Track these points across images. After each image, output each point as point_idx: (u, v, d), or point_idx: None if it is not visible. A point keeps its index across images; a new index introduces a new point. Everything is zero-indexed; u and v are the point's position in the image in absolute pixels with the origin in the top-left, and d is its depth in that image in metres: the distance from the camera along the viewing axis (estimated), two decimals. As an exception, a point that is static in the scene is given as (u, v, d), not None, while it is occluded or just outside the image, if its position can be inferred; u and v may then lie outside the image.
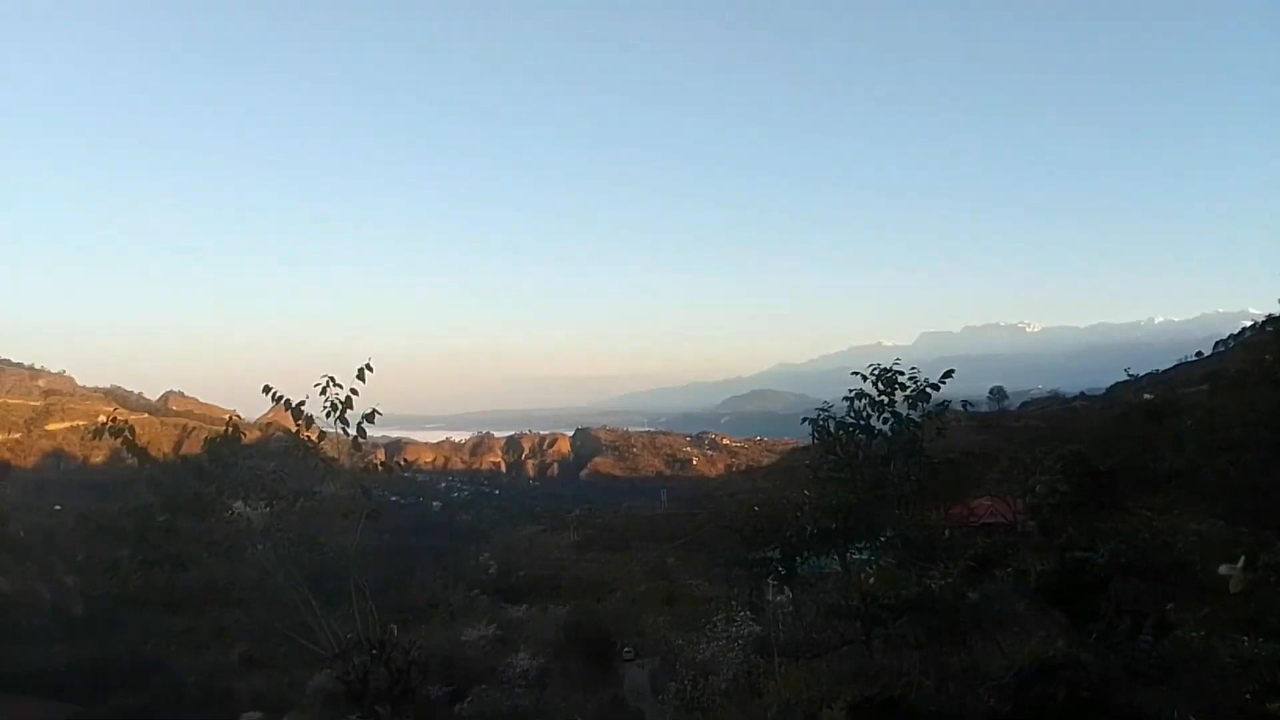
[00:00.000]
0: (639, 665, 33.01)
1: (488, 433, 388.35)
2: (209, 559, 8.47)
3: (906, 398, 13.49)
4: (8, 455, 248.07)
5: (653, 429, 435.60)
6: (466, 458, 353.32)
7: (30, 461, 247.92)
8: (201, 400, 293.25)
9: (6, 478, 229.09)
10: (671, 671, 25.18)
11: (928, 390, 13.35)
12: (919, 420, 13.12)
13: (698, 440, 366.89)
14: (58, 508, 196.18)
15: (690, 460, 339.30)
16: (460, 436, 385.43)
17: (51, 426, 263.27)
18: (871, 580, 11.30)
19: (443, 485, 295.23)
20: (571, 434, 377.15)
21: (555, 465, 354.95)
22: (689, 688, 21.89)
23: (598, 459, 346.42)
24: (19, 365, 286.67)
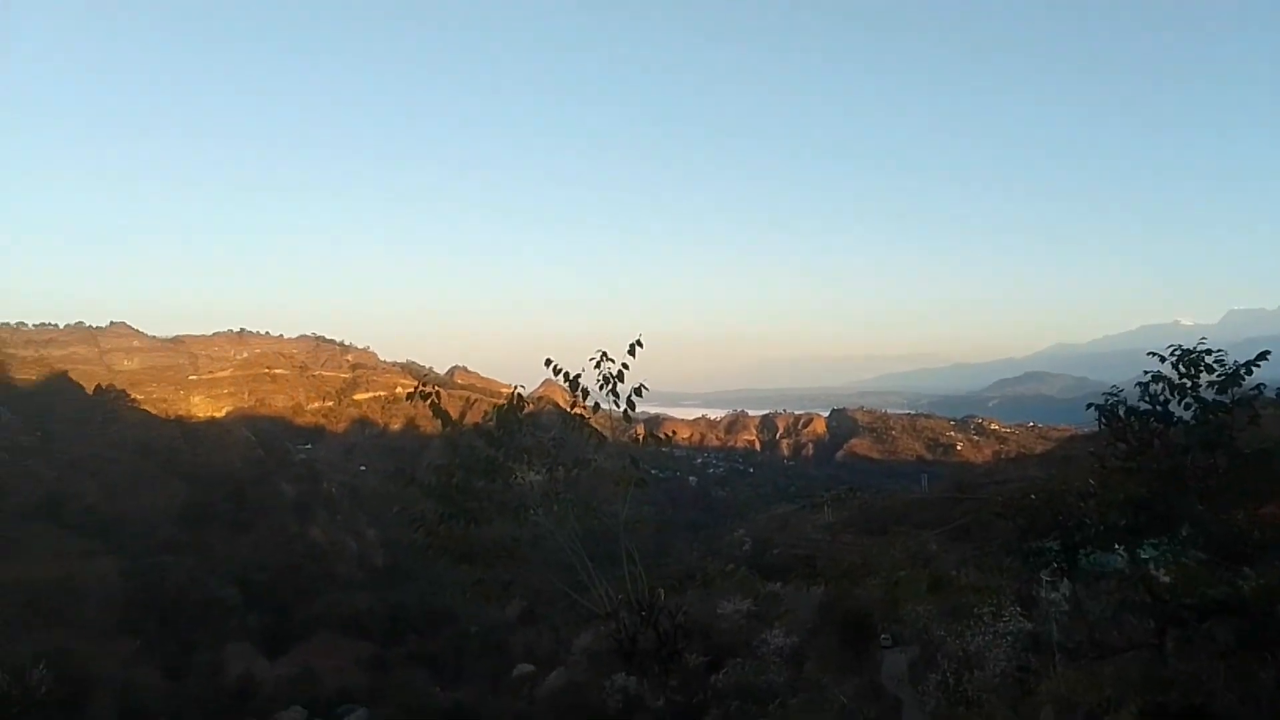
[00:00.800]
0: (898, 652, 32.19)
1: (743, 411, 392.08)
2: (498, 518, 9.27)
3: (1212, 382, 12.01)
4: (322, 421, 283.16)
5: (912, 411, 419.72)
6: (722, 435, 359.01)
7: (340, 427, 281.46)
8: (482, 375, 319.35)
9: (321, 440, 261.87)
10: (932, 662, 24.41)
11: (1239, 374, 11.79)
12: (1228, 405, 11.65)
13: (962, 424, 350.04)
14: (363, 468, 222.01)
15: (954, 445, 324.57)
16: (716, 414, 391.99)
17: (358, 396, 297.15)
18: (1170, 578, 10.26)
19: (698, 461, 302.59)
20: (827, 414, 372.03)
21: (810, 446, 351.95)
22: (951, 680, 21.11)
23: (854, 440, 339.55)
24: (332, 342, 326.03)
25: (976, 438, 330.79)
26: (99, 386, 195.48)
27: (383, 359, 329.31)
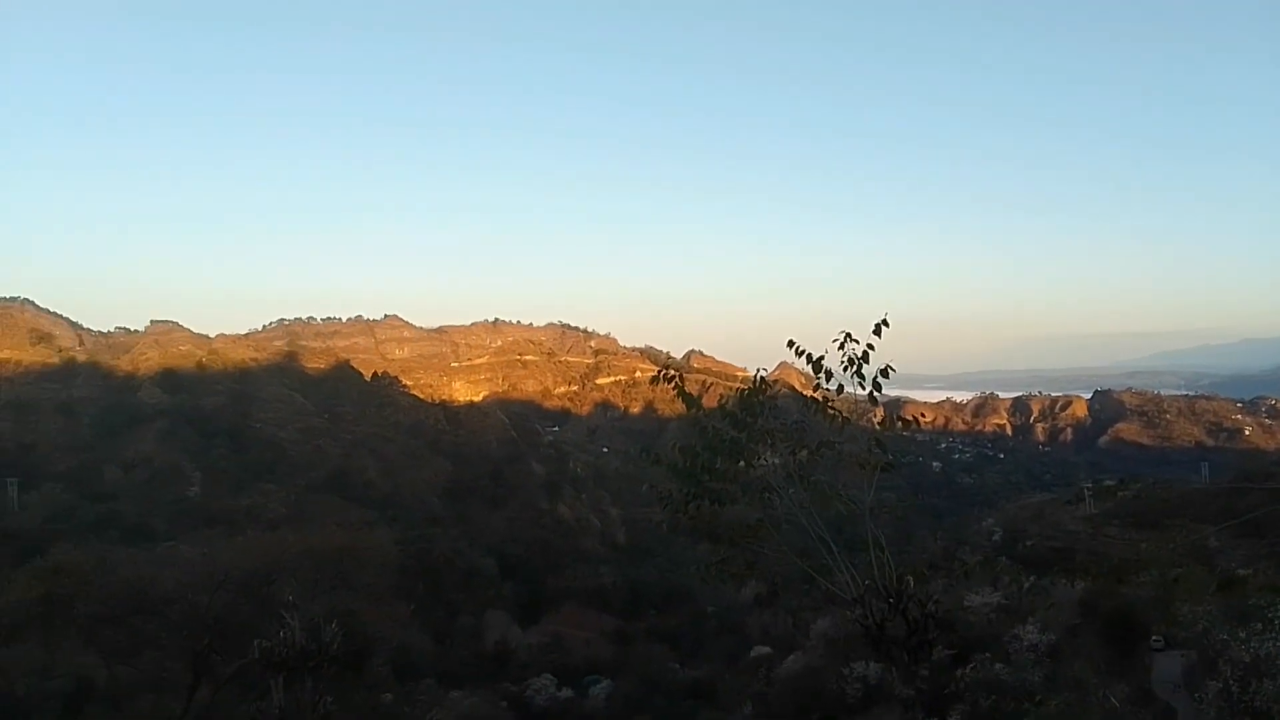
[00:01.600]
0: (1172, 656, 29.61)
1: (991, 393, 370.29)
2: (742, 499, 9.37)
3: None
4: (568, 404, 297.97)
5: (1191, 392, 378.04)
6: (968, 419, 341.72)
7: (584, 410, 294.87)
8: (717, 359, 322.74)
9: (567, 423, 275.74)
10: (1212, 668, 22.28)
11: None
12: None
13: (1251, 406, 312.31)
14: (605, 450, 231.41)
15: (1240, 430, 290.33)
16: (961, 397, 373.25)
17: (600, 381, 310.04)
18: None
19: (942, 446, 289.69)
20: (1089, 396, 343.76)
21: (1068, 430, 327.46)
22: (1235, 688, 19.16)
23: (1120, 425, 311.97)
24: (576, 329, 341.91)
25: (1269, 421, 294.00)
26: (375, 373, 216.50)
27: (623, 344, 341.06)
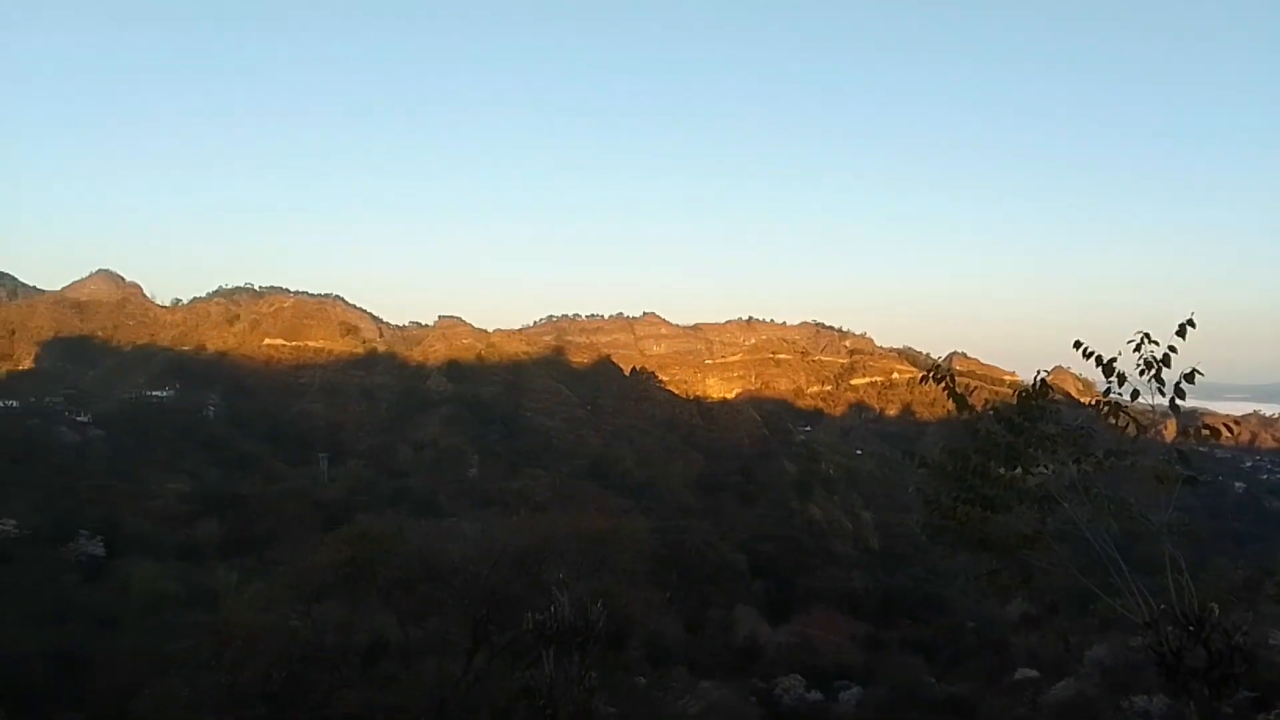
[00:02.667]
0: None
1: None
2: (1017, 507, 8.89)
3: None
4: (821, 404, 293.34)
5: None
6: (1279, 435, 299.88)
7: (838, 410, 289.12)
8: (982, 361, 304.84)
9: (819, 423, 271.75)
10: None
11: None
12: None
13: None
14: (859, 451, 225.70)
15: None
16: (1271, 410, 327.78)
17: (855, 381, 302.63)
18: None
19: (1247, 465, 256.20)
20: None
21: None
22: None
23: None
24: (830, 328, 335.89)
25: None
26: (634, 369, 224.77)
27: (879, 345, 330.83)
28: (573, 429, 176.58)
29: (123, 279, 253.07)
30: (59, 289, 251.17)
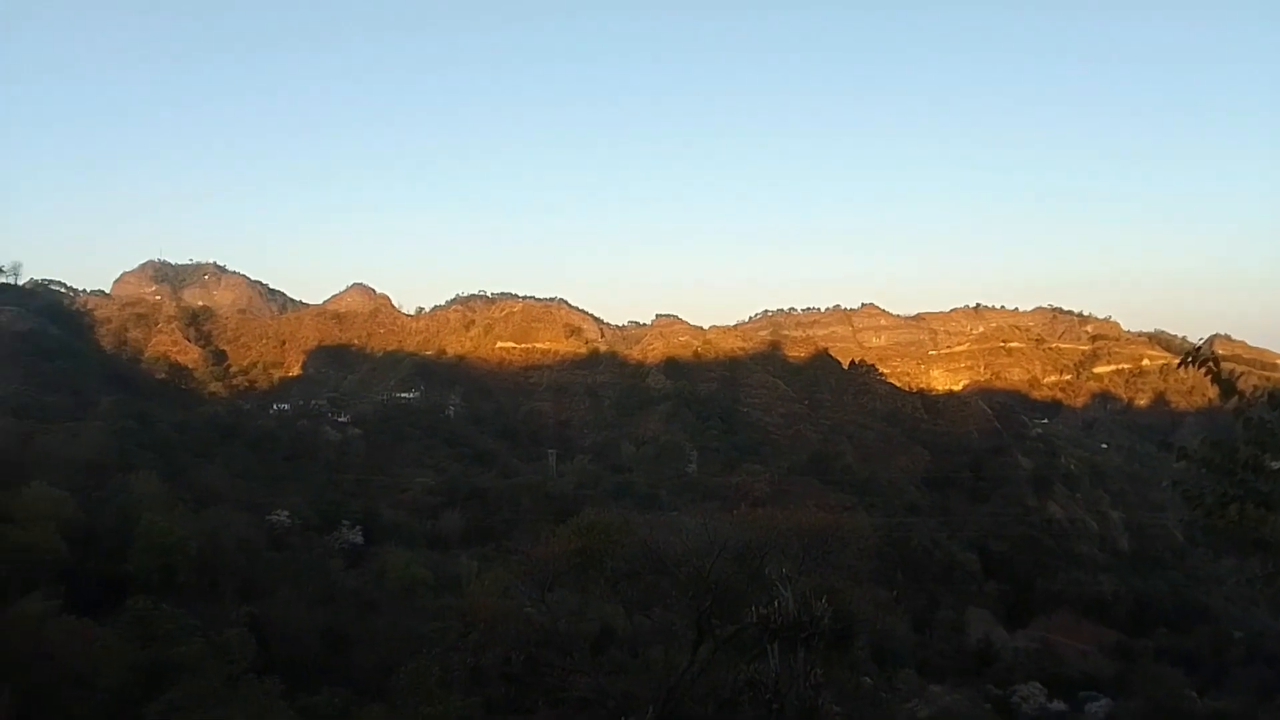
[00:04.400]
0: None
1: None
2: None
3: None
4: (1059, 395, 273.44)
5: None
6: None
7: (1078, 401, 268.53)
8: (1250, 344, 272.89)
9: (1057, 415, 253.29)
10: None
11: None
12: None
13: None
14: (1104, 445, 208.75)
15: None
16: None
17: (1098, 369, 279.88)
18: None
19: None
20: None
21: None
22: None
23: None
24: (1070, 313, 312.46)
25: None
26: (853, 362, 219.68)
27: (1126, 329, 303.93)
28: (790, 424, 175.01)
29: (374, 291, 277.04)
30: (321, 302, 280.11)
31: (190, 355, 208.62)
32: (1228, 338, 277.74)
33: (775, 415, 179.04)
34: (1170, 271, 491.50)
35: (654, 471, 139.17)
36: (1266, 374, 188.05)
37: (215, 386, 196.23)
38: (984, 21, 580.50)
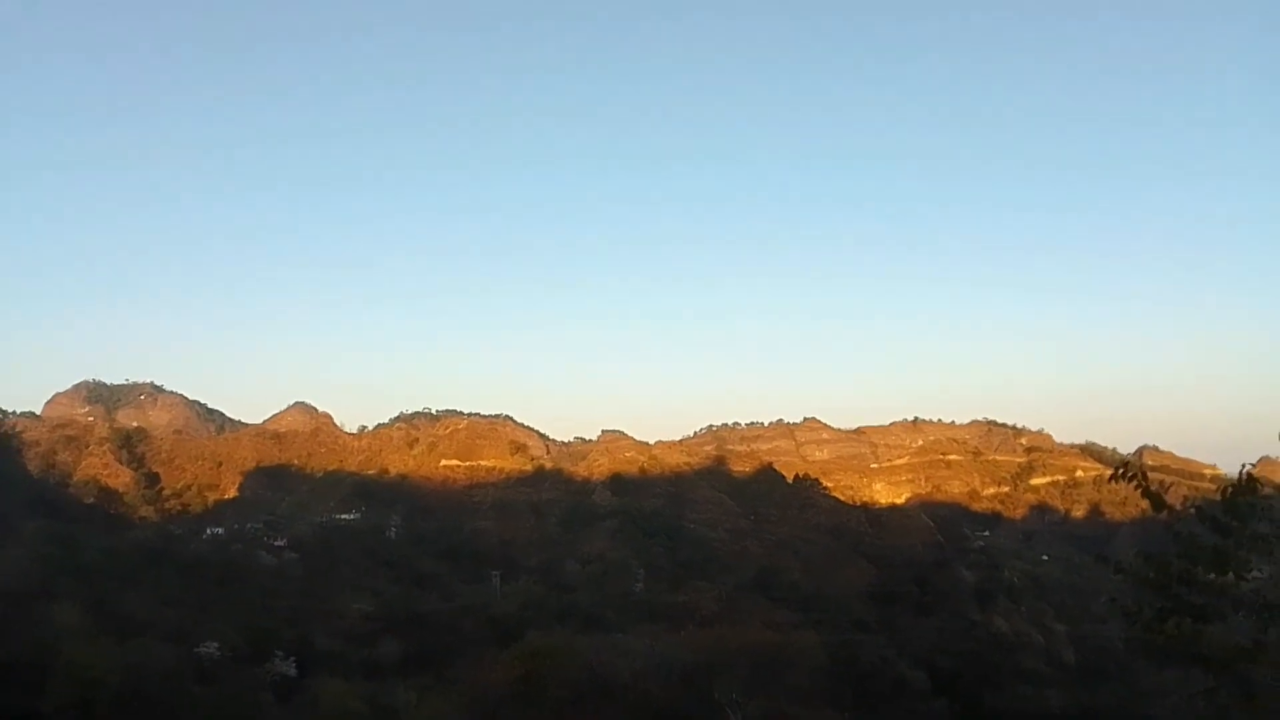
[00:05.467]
0: None
1: None
2: (1231, 616, 8.21)
3: None
4: (999, 506, 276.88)
5: None
6: None
7: (1017, 513, 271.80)
8: (1177, 455, 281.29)
9: (998, 527, 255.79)
10: None
11: None
12: None
13: None
14: (1045, 557, 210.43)
15: None
16: None
17: (1034, 481, 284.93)
18: None
19: None
20: None
21: None
22: None
23: None
24: (1004, 425, 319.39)
25: None
26: (797, 476, 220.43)
27: (1058, 441, 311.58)
28: (736, 540, 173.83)
29: (316, 409, 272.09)
30: (261, 421, 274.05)
31: (121, 478, 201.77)
32: (1156, 448, 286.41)
33: (721, 531, 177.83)
34: (1098, 384, 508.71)
35: (600, 591, 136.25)
36: (1195, 484, 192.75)
37: (146, 510, 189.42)
38: (928, 142, 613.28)
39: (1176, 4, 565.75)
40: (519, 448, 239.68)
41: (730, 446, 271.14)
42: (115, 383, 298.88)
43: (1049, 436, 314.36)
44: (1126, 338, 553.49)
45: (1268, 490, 8.98)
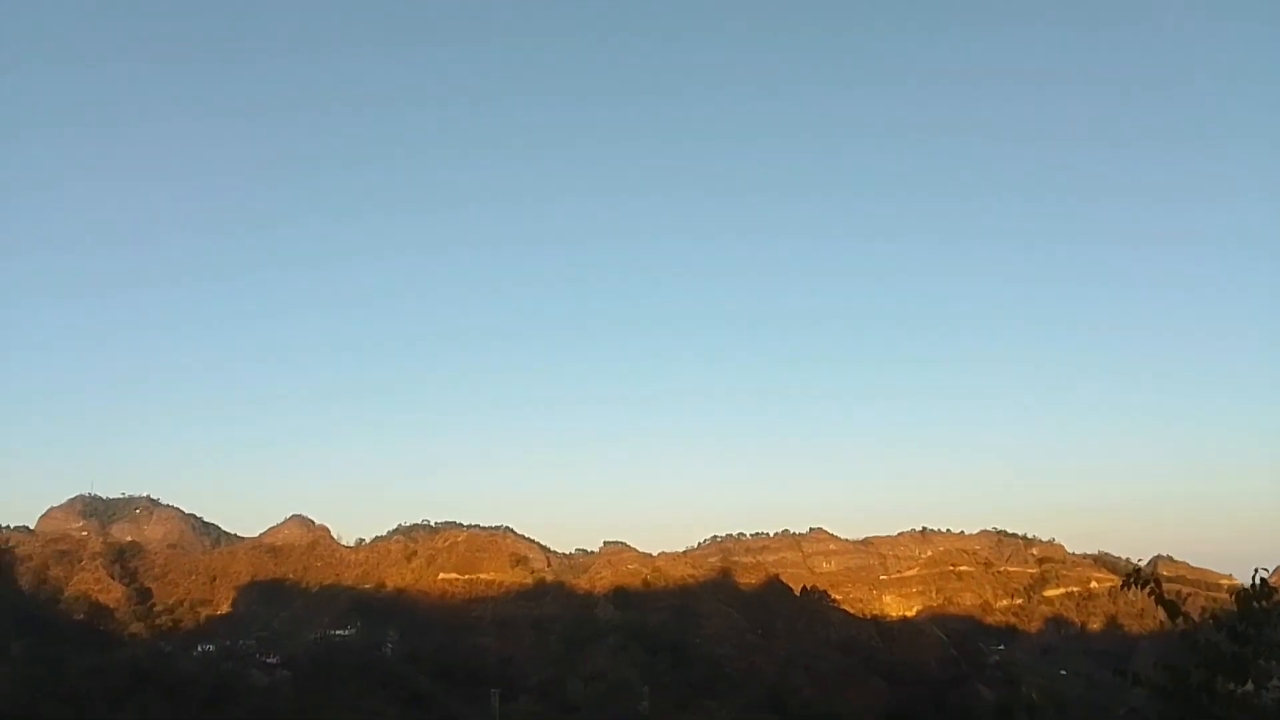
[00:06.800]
0: None
1: None
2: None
3: None
4: (1013, 619, 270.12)
5: None
6: None
7: (1033, 626, 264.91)
8: (1192, 564, 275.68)
9: (1014, 640, 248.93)
10: None
11: None
12: None
13: None
14: (1063, 672, 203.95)
15: None
16: None
17: (1048, 593, 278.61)
18: None
19: None
20: None
21: None
22: None
23: None
24: (1014, 536, 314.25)
25: None
26: (805, 588, 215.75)
27: (1071, 551, 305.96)
28: (744, 655, 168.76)
29: (313, 522, 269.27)
30: (257, 535, 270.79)
31: (113, 594, 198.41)
32: (1170, 559, 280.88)
33: (728, 646, 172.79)
34: (1110, 494, 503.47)
35: (603, 711, 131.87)
36: (1212, 594, 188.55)
37: (137, 627, 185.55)
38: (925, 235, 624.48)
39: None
40: (519, 560, 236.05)
41: (736, 558, 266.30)
42: (110, 496, 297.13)
43: (1061, 547, 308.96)
44: (1136, 446, 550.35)
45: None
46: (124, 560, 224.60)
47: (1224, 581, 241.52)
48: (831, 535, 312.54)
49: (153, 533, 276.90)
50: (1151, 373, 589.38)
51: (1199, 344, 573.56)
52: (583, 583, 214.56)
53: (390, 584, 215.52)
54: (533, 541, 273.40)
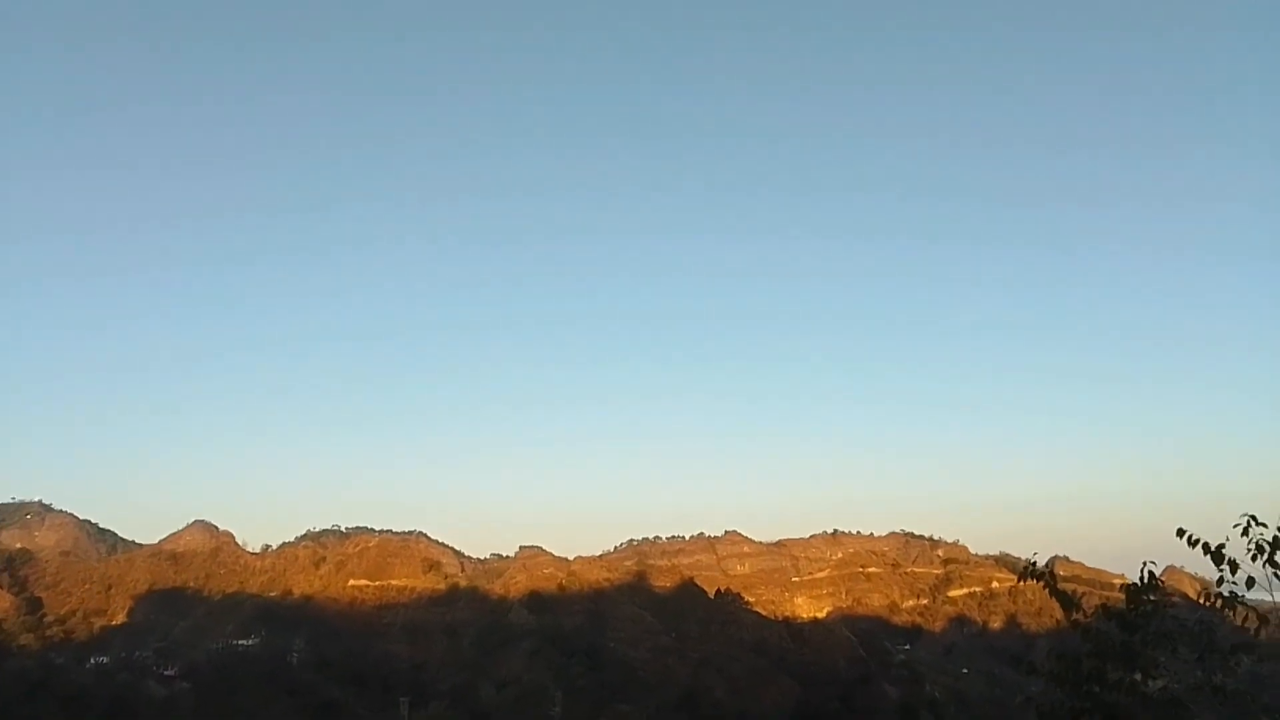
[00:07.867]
0: None
1: None
2: (1142, 713, 8.21)
3: None
4: (918, 619, 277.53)
5: None
6: None
7: (937, 625, 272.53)
8: (1087, 565, 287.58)
9: (918, 640, 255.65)
10: None
11: None
12: None
13: None
14: (965, 670, 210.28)
15: None
16: None
17: (952, 593, 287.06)
18: None
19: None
20: None
21: None
22: None
23: None
24: (921, 537, 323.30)
25: None
26: (719, 590, 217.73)
27: (974, 552, 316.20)
28: (658, 658, 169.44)
29: (217, 528, 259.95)
30: (157, 541, 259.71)
31: (1, 604, 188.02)
32: (1067, 559, 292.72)
33: (643, 650, 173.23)
34: (1012, 495, 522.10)
35: (516, 716, 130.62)
36: (1106, 593, 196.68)
37: (26, 638, 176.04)
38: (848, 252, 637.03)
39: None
40: (432, 565, 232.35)
41: (651, 561, 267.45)
42: (0, 501, 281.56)
43: (965, 548, 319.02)
44: (1037, 449, 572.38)
45: (1170, 591, 9.14)
46: (13, 568, 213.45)
47: (1117, 581, 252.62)
48: (745, 538, 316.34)
49: (44, 540, 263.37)
50: (1056, 373, 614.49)
51: (1104, 347, 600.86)
52: (497, 587, 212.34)
53: (298, 591, 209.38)
54: (446, 546, 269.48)
